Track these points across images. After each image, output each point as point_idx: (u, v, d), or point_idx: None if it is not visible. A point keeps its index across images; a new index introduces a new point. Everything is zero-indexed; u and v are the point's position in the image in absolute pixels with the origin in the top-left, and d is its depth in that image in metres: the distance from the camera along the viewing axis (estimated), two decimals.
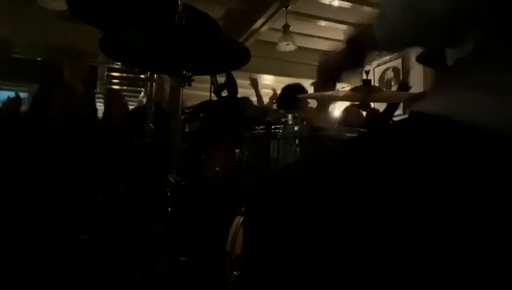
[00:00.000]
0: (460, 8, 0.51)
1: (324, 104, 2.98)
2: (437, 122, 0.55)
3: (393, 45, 0.68)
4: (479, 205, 0.52)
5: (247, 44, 4.55)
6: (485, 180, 0.52)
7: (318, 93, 1.93)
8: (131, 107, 3.28)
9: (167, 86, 2.28)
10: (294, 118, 1.61)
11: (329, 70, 0.82)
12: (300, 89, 2.99)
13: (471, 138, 0.53)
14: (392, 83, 5.20)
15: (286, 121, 1.58)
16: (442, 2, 0.51)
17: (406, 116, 0.66)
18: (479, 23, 0.55)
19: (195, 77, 1.37)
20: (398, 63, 5.06)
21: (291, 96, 2.89)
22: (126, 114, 2.68)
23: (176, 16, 1.23)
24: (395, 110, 3.10)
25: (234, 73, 1.68)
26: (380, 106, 3.22)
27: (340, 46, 0.78)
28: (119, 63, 4.41)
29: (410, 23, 0.57)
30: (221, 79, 1.70)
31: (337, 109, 4.08)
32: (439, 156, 0.55)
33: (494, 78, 0.54)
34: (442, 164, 0.54)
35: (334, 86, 0.92)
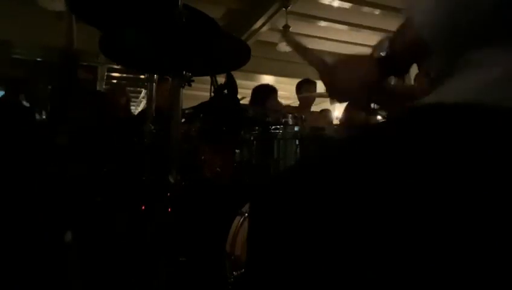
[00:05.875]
0: None
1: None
2: (463, 110, 0.51)
3: (455, 41, 0.55)
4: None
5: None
6: None
7: (318, 93, 1.92)
8: (131, 108, 3.29)
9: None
10: (294, 118, 1.60)
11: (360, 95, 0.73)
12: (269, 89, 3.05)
13: (505, 122, 0.49)
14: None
15: (286, 121, 1.58)
16: None
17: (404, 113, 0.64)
18: None
19: (195, 77, 1.37)
20: None
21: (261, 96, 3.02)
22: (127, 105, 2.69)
23: (176, 16, 1.23)
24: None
25: (234, 73, 1.68)
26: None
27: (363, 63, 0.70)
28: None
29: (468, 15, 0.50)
30: (221, 79, 1.70)
31: (337, 109, 4.08)
32: (474, 145, 0.50)
33: None
34: (480, 152, 0.49)
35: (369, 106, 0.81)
